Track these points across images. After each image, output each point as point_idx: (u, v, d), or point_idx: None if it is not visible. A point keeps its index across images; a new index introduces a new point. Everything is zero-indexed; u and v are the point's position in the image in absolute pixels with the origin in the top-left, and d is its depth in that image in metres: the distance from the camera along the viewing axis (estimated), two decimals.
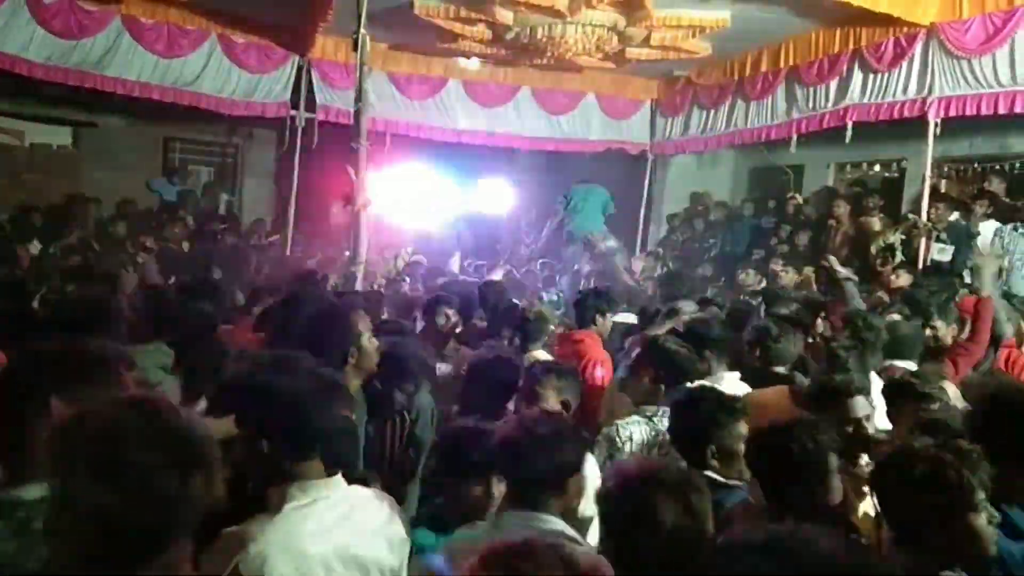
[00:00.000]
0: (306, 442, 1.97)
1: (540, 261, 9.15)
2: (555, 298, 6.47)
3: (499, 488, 2.38)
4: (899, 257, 7.72)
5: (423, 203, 7.98)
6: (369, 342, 3.01)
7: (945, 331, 4.95)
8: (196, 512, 1.33)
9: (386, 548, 2.04)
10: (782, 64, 8.84)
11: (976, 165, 9.14)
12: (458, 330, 4.84)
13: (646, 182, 11.16)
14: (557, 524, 2.13)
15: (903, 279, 7.34)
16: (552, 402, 3.17)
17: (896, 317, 5.10)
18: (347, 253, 5.94)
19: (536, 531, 2.04)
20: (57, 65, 8.46)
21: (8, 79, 8.54)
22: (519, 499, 2.20)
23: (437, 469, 2.65)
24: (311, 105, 9.51)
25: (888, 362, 4.24)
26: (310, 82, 9.50)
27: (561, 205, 9.73)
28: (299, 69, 9.45)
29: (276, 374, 2.03)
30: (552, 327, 4.78)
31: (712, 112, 10.04)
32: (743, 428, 2.76)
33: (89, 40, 8.54)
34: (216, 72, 9.16)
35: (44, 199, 10.15)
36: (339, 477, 2.03)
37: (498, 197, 10.47)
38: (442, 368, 4.22)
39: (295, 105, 9.46)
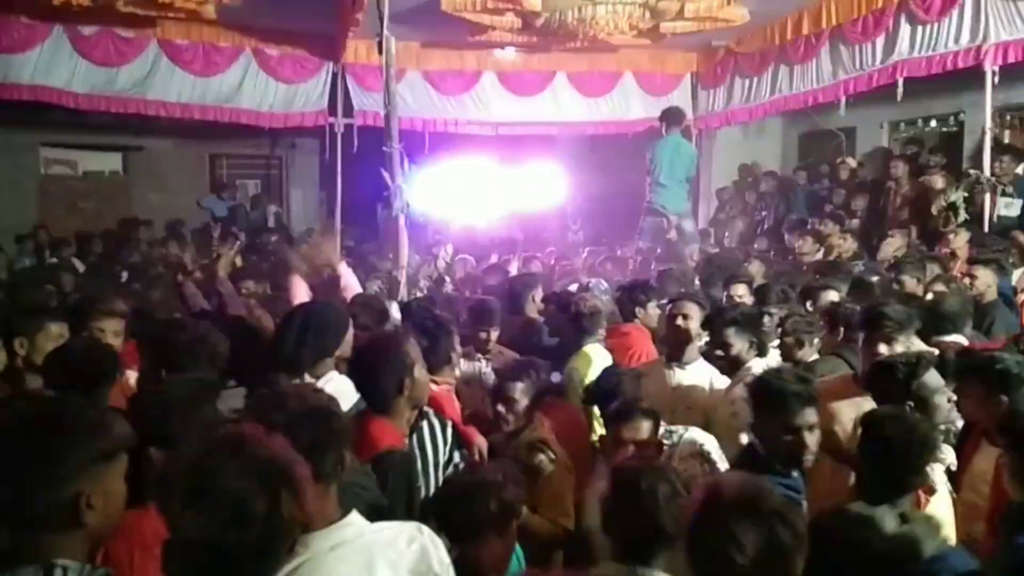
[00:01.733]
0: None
1: (588, 249, 8.96)
2: (602, 287, 6.29)
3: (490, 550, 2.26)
4: (962, 215, 7.36)
5: (465, 200, 7.90)
6: (421, 373, 2.86)
7: None
8: (290, 530, 1.45)
9: None
10: (824, 25, 8.49)
11: None
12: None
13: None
14: None
15: (960, 238, 7.01)
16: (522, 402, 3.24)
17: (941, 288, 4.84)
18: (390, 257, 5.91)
19: None
20: (101, 94, 8.68)
21: (58, 111, 8.79)
22: (624, 555, 2.10)
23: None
24: (349, 111, 9.56)
25: (935, 338, 3.97)
26: (346, 88, 9.54)
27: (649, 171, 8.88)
28: (334, 76, 9.50)
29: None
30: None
31: (755, 80, 9.73)
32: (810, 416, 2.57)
33: (128, 66, 8.72)
34: (253, 86, 9.26)
35: (99, 225, 10.43)
36: (354, 515, 1.85)
37: (544, 184, 10.32)
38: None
39: (333, 112, 9.51)
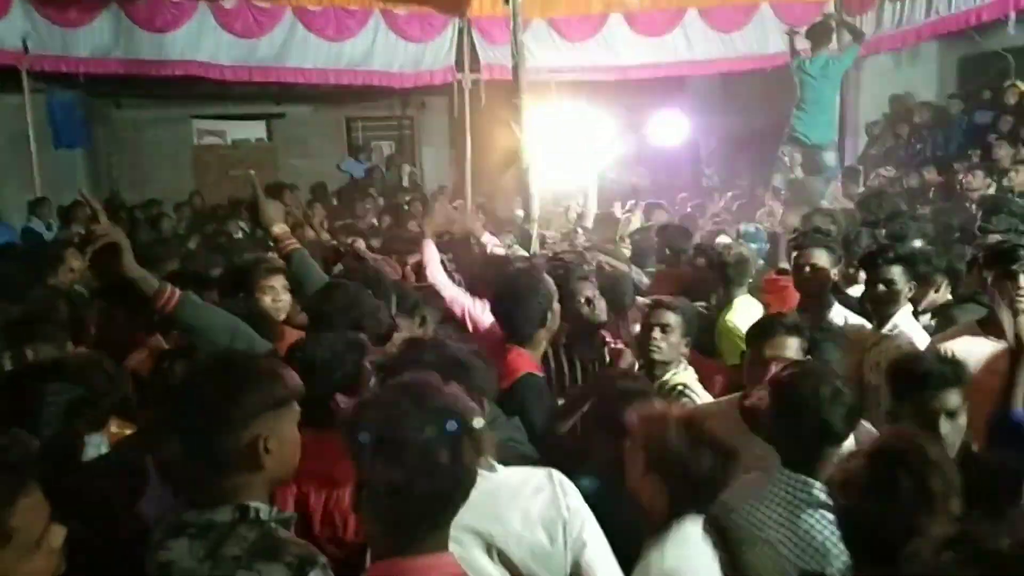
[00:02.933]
0: None
1: (730, 193, 8.58)
2: (752, 231, 5.90)
3: None
4: None
5: (594, 148, 7.78)
6: (558, 307, 3.06)
7: None
8: (471, 477, 1.49)
9: (544, 538, 1.84)
10: None
11: None
12: None
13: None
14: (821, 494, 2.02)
15: None
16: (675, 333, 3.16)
17: None
18: (519, 212, 5.93)
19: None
20: (244, 64, 9.10)
21: (206, 83, 9.30)
22: (791, 460, 2.13)
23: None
24: (476, 66, 9.57)
25: None
26: (472, 42, 9.54)
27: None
28: (460, 31, 9.51)
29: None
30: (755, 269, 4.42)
31: (907, 1, 8.93)
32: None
33: (267, 36, 9.07)
34: (384, 48, 9.43)
35: (249, 191, 11.00)
36: (499, 468, 1.89)
37: (672, 130, 9.99)
38: None
39: (460, 68, 9.56)
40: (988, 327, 2.94)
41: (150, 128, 12.15)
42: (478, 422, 1.49)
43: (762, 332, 2.75)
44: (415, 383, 1.53)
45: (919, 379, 2.28)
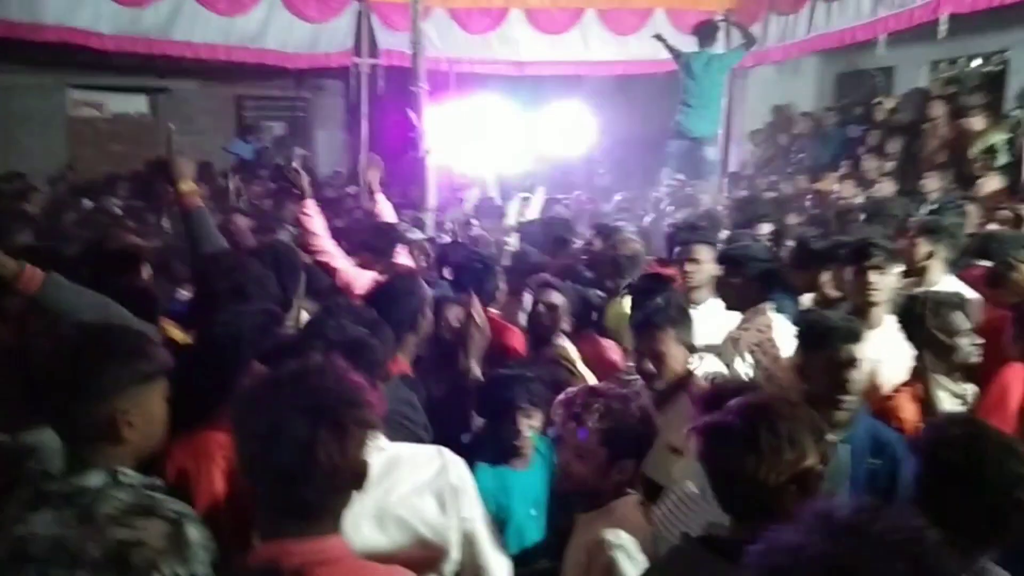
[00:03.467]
0: None
1: (621, 194, 8.83)
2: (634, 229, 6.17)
3: (527, 423, 2.58)
4: (1002, 159, 7.16)
5: (492, 141, 7.82)
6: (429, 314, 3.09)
7: None
8: (359, 467, 1.48)
9: (434, 505, 1.98)
10: None
11: None
12: None
13: (724, 99, 10.65)
14: None
15: (993, 183, 6.86)
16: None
17: None
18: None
19: None
20: (126, 35, 8.58)
21: (84, 52, 8.75)
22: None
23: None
24: (374, 51, 9.42)
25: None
26: (371, 27, 9.39)
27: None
28: (359, 14, 9.34)
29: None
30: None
31: (791, 17, 9.39)
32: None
33: (153, 6, 8.61)
34: (278, 26, 9.12)
35: (128, 167, 10.48)
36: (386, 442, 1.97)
37: (571, 126, 10.15)
38: None
39: (358, 52, 9.39)
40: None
41: (20, 96, 11.34)
42: (365, 413, 1.48)
43: (644, 326, 2.90)
44: (303, 373, 1.50)
45: (827, 333, 2.56)
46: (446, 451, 2.09)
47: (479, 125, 7.09)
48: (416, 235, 5.44)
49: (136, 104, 12.33)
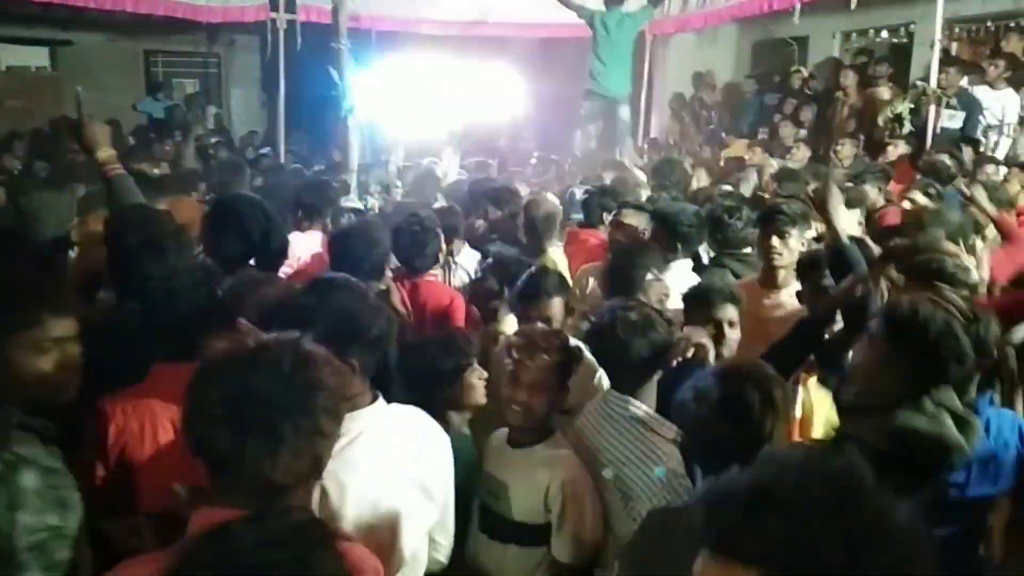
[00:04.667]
0: (353, 356, 1.85)
1: (536, 155, 8.87)
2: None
3: (476, 380, 2.60)
4: (907, 127, 7.47)
5: (416, 102, 7.70)
6: None
7: None
8: (322, 446, 1.44)
9: (422, 495, 1.99)
10: None
11: (990, 24, 8.73)
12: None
13: (646, 65, 10.74)
14: (640, 410, 2.35)
15: (900, 149, 7.18)
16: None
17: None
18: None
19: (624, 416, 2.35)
20: None
21: None
22: (617, 383, 2.45)
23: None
24: (292, 6, 9.08)
25: None
26: None
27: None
28: None
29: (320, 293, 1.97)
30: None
31: None
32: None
33: None
34: None
35: (28, 124, 9.91)
36: (381, 401, 1.95)
37: (496, 88, 10.07)
38: None
39: (275, 7, 9.03)
40: (763, 282, 3.57)
41: None
42: (329, 398, 1.43)
43: (530, 296, 3.04)
44: (258, 362, 1.42)
45: (706, 295, 2.89)
46: (424, 415, 2.12)
47: (402, 85, 6.98)
48: (353, 202, 5.33)
49: (36, 57, 11.61)
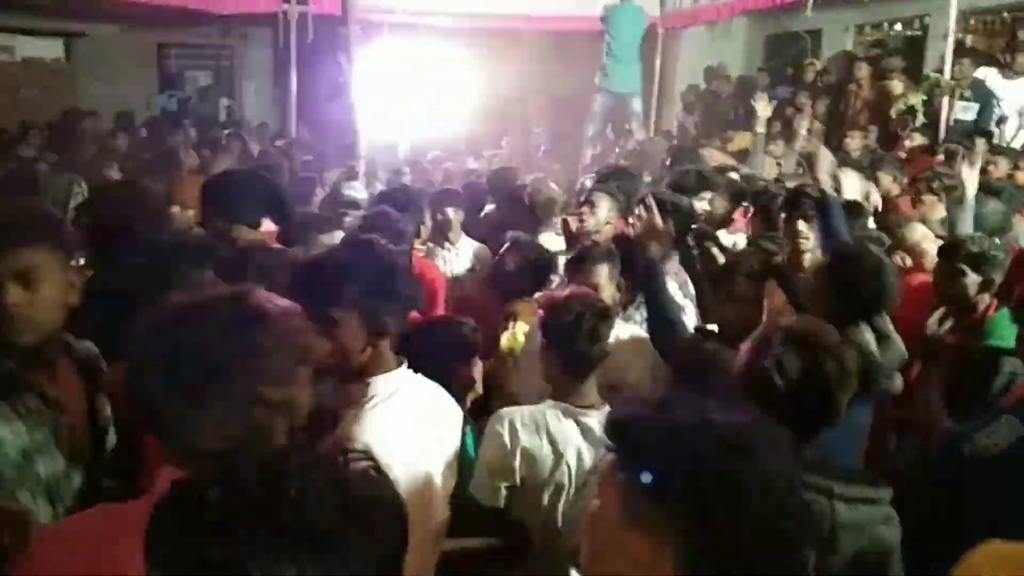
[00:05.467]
0: (387, 316, 1.83)
1: (542, 148, 8.87)
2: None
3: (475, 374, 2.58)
4: (920, 119, 7.41)
5: (425, 94, 7.72)
6: None
7: None
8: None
9: (442, 458, 1.99)
10: None
11: (1005, 15, 8.65)
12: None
13: (657, 59, 10.69)
14: None
15: (917, 141, 7.11)
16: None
17: None
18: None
19: None
20: None
21: None
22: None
23: None
24: None
25: None
26: None
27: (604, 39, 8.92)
28: None
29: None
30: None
31: None
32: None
33: None
34: None
35: (42, 115, 9.97)
36: (406, 365, 1.93)
37: (504, 84, 10.09)
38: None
39: None
40: (789, 265, 3.40)
41: None
42: (276, 362, 1.27)
43: (579, 262, 3.01)
44: (214, 303, 1.29)
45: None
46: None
47: (411, 76, 6.99)
48: (357, 191, 5.31)
49: (51, 49, 11.69)
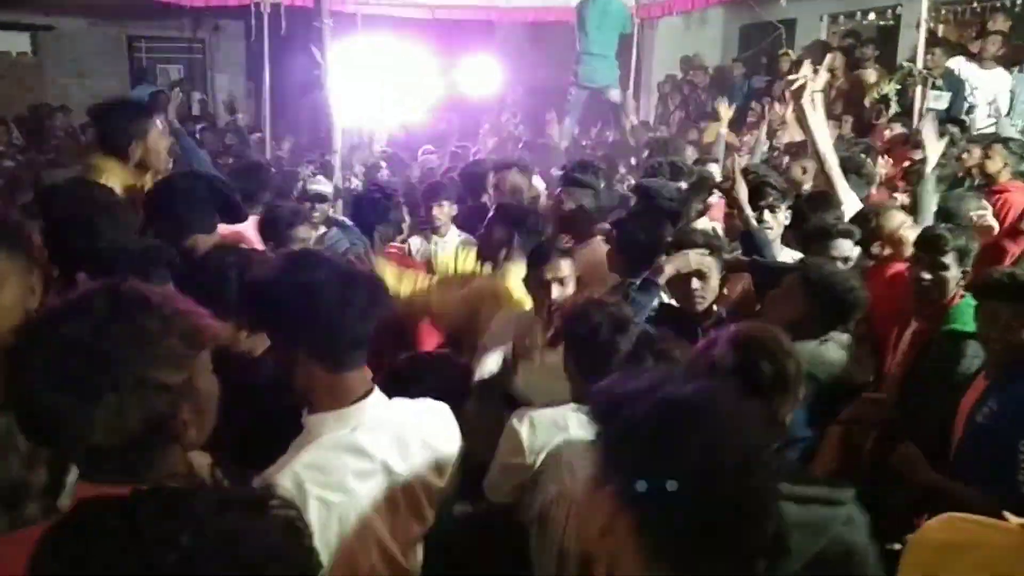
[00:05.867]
0: (344, 348, 1.65)
1: (523, 141, 8.86)
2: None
3: None
4: (894, 108, 7.47)
5: (400, 86, 7.65)
6: None
7: None
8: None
9: (435, 473, 1.81)
10: None
11: (976, 5, 8.73)
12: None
13: (633, 49, 10.70)
14: None
15: (897, 131, 7.17)
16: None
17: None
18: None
19: None
20: None
21: None
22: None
23: None
24: None
25: None
26: None
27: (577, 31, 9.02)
28: None
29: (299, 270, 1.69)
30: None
31: None
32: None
33: None
34: None
35: (9, 110, 9.79)
36: (377, 393, 1.73)
37: (481, 75, 10.04)
38: None
39: None
40: None
41: None
42: (164, 345, 1.25)
43: (540, 256, 2.99)
44: (90, 295, 1.26)
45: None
46: (443, 407, 1.93)
47: (386, 68, 6.91)
48: (322, 185, 5.25)
49: (16, 42, 11.46)
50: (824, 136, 3.87)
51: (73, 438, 1.20)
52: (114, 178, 3.04)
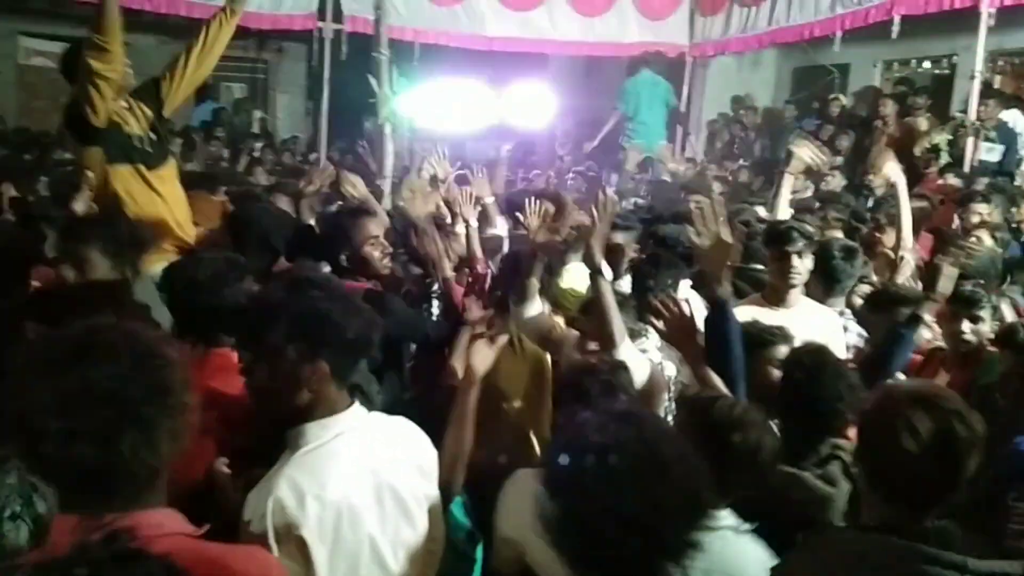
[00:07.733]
0: (356, 362, 1.89)
1: (572, 172, 8.98)
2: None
3: None
4: (944, 158, 7.43)
5: (455, 114, 7.83)
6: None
7: None
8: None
9: (419, 475, 1.95)
10: None
11: None
12: None
13: (685, 87, 10.80)
14: None
15: (952, 182, 7.09)
16: None
17: None
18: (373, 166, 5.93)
19: None
20: None
21: None
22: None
23: None
24: (339, 16, 9.32)
25: None
26: None
27: (619, 108, 9.69)
28: None
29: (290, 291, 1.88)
30: None
31: (753, 10, 9.58)
32: None
33: None
34: None
35: None
36: (357, 406, 1.90)
37: (534, 104, 10.18)
38: None
39: (322, 16, 9.28)
40: (770, 298, 3.47)
41: None
42: (176, 397, 1.33)
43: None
44: (111, 340, 1.30)
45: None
46: (413, 425, 2.05)
47: (444, 97, 7.09)
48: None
49: None
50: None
51: (80, 489, 1.27)
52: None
